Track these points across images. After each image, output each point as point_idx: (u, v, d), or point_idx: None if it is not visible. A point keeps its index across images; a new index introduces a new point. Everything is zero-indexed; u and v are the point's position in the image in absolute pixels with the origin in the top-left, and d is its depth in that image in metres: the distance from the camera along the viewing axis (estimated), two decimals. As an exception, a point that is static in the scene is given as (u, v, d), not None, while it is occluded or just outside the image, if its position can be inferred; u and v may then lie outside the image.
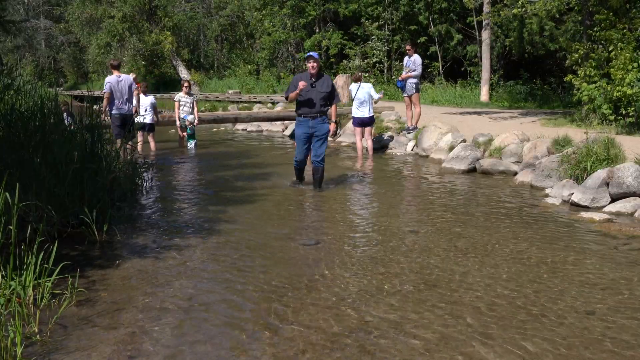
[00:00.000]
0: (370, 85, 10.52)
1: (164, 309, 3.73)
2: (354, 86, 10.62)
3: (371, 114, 10.48)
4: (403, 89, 11.35)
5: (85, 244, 5.04)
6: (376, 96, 10.48)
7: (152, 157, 10.70)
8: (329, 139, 7.77)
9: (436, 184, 8.01)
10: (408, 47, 11.53)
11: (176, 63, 30.15)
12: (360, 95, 10.41)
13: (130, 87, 9.64)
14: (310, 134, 7.24)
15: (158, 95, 24.90)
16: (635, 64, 10.18)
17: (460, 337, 3.31)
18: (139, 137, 11.05)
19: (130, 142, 8.32)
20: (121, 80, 9.52)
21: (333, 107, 7.45)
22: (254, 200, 6.92)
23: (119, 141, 7.93)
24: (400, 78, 11.40)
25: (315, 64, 7.14)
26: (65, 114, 8.70)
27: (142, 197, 7.20)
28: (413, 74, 11.13)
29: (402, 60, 11.90)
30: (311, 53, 7.32)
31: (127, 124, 9.35)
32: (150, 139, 11.40)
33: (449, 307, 3.73)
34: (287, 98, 7.42)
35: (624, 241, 5.20)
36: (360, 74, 11.01)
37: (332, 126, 7.45)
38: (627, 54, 10.20)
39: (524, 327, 3.43)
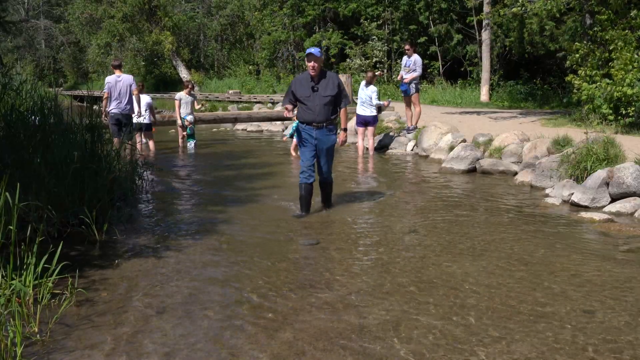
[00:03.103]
0: (375, 89, 10.51)
1: (164, 308, 3.73)
2: (362, 85, 10.65)
3: (374, 114, 10.53)
4: (407, 92, 11.29)
5: (85, 244, 5.03)
6: (375, 102, 10.47)
7: (152, 157, 10.69)
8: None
9: (436, 184, 8.01)
10: (407, 47, 11.50)
11: (176, 63, 30.16)
12: (363, 96, 10.51)
13: (129, 87, 9.65)
14: (314, 143, 6.14)
15: (158, 95, 24.95)
16: (635, 64, 10.18)
17: (460, 337, 3.31)
18: (137, 137, 11.05)
19: (129, 142, 8.32)
20: (120, 80, 9.56)
21: (342, 111, 6.24)
22: (254, 200, 6.92)
23: (115, 140, 7.93)
24: (405, 81, 11.21)
25: (315, 64, 5.92)
26: None
27: (142, 197, 7.19)
28: (414, 74, 11.10)
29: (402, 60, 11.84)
30: (311, 50, 5.99)
31: (122, 123, 9.36)
32: (149, 139, 11.39)
33: (448, 307, 3.73)
34: (285, 104, 6.31)
35: (624, 241, 5.20)
36: (371, 75, 10.84)
37: (341, 135, 6.32)
38: (628, 54, 10.20)
39: (524, 327, 3.42)
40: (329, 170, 6.37)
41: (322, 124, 6.07)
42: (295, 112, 6.27)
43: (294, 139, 10.38)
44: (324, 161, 6.27)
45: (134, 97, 9.83)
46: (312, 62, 5.93)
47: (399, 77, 11.83)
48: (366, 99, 10.45)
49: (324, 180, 6.41)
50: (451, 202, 6.88)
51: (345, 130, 6.39)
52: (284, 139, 12.19)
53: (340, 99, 6.16)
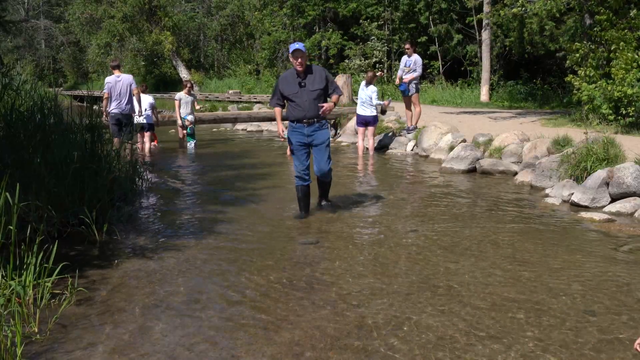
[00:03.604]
0: (375, 89, 10.51)
1: (164, 308, 3.73)
2: (362, 85, 10.65)
3: (374, 114, 10.55)
4: (405, 92, 11.28)
5: (85, 244, 5.03)
6: (375, 102, 10.47)
7: (147, 157, 10.65)
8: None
9: (436, 184, 8.01)
10: (407, 46, 11.49)
11: (176, 63, 30.15)
12: (363, 96, 10.52)
13: (129, 87, 9.63)
14: (307, 142, 5.97)
15: (158, 95, 24.93)
16: (635, 64, 10.18)
17: (460, 337, 3.31)
18: (140, 137, 11.07)
19: (129, 142, 8.31)
20: (119, 80, 9.57)
21: (334, 97, 5.98)
22: (254, 200, 6.92)
23: (115, 140, 7.93)
24: (405, 80, 11.20)
25: (302, 60, 5.74)
26: None
27: (142, 197, 7.19)
28: (414, 74, 11.08)
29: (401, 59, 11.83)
30: (297, 46, 5.77)
31: (123, 123, 9.36)
32: (146, 139, 11.35)
33: (448, 307, 3.73)
34: (272, 106, 6.17)
35: (624, 241, 5.20)
36: (371, 74, 10.83)
37: (329, 104, 5.87)
38: (628, 54, 10.20)
39: (524, 327, 3.43)
40: (328, 168, 6.05)
41: (313, 120, 5.87)
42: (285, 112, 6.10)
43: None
44: (321, 157, 5.97)
45: (134, 96, 9.82)
46: (299, 58, 5.74)
47: (397, 81, 11.77)
48: (366, 99, 10.46)
49: (323, 179, 6.16)
50: (451, 202, 6.88)
51: (334, 103, 5.99)
52: (282, 139, 12.28)
53: (330, 90, 5.95)
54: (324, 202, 6.38)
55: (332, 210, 6.35)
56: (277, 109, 6.13)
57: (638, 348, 2.37)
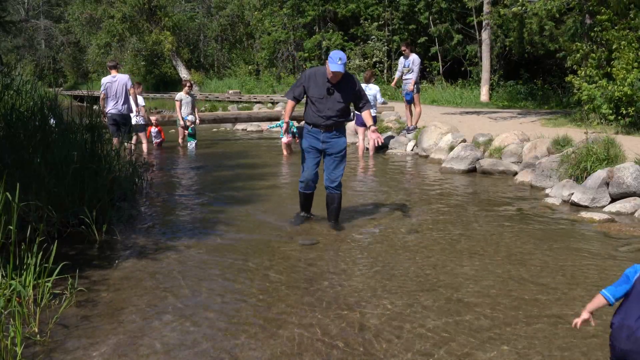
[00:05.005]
0: (377, 88, 10.54)
1: (164, 308, 3.73)
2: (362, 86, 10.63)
3: (375, 114, 10.56)
4: (411, 101, 11.27)
5: (85, 244, 5.03)
6: (380, 100, 10.52)
7: (144, 157, 10.62)
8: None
9: (436, 184, 8.01)
10: (403, 47, 11.49)
11: (176, 63, 30.15)
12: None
13: (124, 87, 9.61)
14: (321, 149, 5.52)
15: (158, 95, 24.94)
16: (636, 64, 10.18)
17: (460, 337, 3.31)
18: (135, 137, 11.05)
19: (130, 142, 8.31)
20: (115, 81, 9.56)
21: (366, 113, 5.57)
22: (254, 201, 6.91)
23: (115, 140, 7.93)
24: (409, 89, 11.06)
25: (340, 74, 5.26)
26: None
27: (142, 197, 7.19)
28: (413, 77, 11.02)
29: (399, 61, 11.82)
30: (337, 67, 5.19)
31: (120, 123, 9.36)
32: (143, 139, 11.29)
33: (449, 307, 3.73)
34: (289, 98, 5.56)
35: (624, 241, 5.20)
36: (370, 73, 10.85)
37: (373, 132, 5.48)
38: (630, 54, 10.20)
39: (524, 327, 3.43)
40: (339, 180, 5.57)
41: (332, 127, 5.45)
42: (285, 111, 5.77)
43: (283, 139, 10.43)
44: (333, 167, 5.52)
45: (130, 96, 9.80)
46: (336, 78, 5.28)
47: (392, 84, 11.74)
48: (370, 99, 10.46)
49: (332, 192, 5.58)
50: (451, 202, 6.88)
51: (374, 127, 5.56)
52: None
53: (358, 104, 5.57)
54: (332, 224, 5.68)
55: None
56: (291, 103, 5.56)
57: (577, 324, 2.57)
